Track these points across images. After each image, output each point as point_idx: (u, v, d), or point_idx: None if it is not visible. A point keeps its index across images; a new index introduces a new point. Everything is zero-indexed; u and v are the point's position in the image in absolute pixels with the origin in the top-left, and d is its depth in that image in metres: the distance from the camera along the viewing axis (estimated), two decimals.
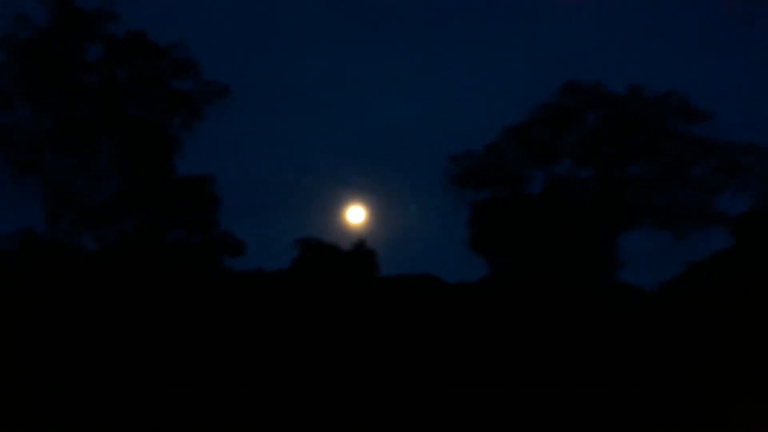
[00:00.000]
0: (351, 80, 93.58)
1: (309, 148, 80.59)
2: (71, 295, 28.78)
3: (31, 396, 25.03)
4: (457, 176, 37.57)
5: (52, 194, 38.79)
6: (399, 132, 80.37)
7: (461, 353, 27.32)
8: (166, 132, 39.62)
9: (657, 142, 37.06)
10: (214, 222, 35.59)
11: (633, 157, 37.13)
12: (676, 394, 27.07)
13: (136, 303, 29.00)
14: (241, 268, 32.38)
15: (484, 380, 26.57)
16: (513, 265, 34.63)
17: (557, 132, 37.70)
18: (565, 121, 37.55)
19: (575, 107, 37.64)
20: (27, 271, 29.08)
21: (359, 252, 31.95)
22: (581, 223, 35.92)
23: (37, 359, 26.43)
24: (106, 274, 30.94)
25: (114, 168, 39.29)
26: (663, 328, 30.56)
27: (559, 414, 27.02)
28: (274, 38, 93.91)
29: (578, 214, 36.15)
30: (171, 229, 35.89)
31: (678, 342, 29.39)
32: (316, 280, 31.74)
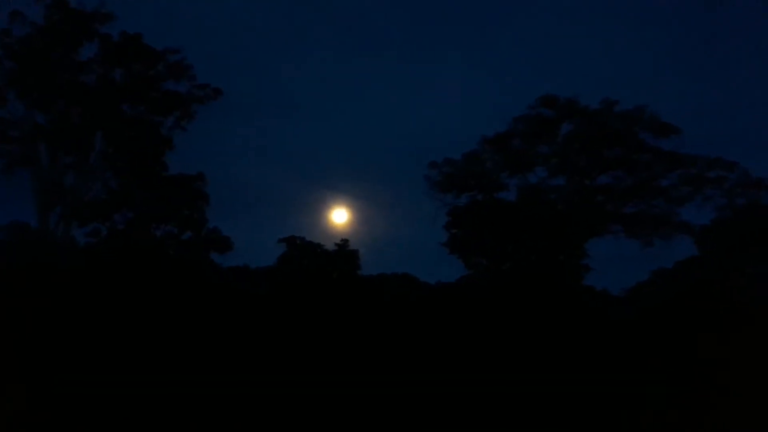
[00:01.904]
0: (338, 86, 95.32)
1: (295, 151, 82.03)
2: (62, 288, 29.43)
3: (25, 393, 24.99)
4: (437, 182, 39.13)
5: (44, 189, 39.87)
6: (383, 138, 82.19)
7: (437, 351, 28.50)
8: (159, 131, 40.86)
9: (627, 154, 38.83)
10: (203, 219, 36.85)
11: (604, 167, 38.91)
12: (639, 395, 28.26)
13: (126, 297, 29.71)
14: (228, 264, 33.53)
15: (459, 379, 27.57)
16: (489, 267, 36.26)
17: (532, 142, 39.40)
18: (541, 132, 39.24)
19: (551, 119, 39.30)
20: (19, 263, 29.78)
21: (342, 251, 33.39)
22: (553, 228, 37.57)
23: (28, 354, 26.13)
24: (98, 268, 32.03)
25: (107, 165, 40.38)
26: (629, 331, 32.08)
27: (530, 413, 27.91)
28: (264, 43, 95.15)
29: (550, 220, 37.78)
30: (161, 225, 37.00)
31: (643, 345, 30.57)
32: (301, 277, 33.08)
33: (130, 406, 25.07)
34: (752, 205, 38.30)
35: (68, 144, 40.51)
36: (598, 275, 37.77)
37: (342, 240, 34.13)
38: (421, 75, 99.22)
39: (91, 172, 40.67)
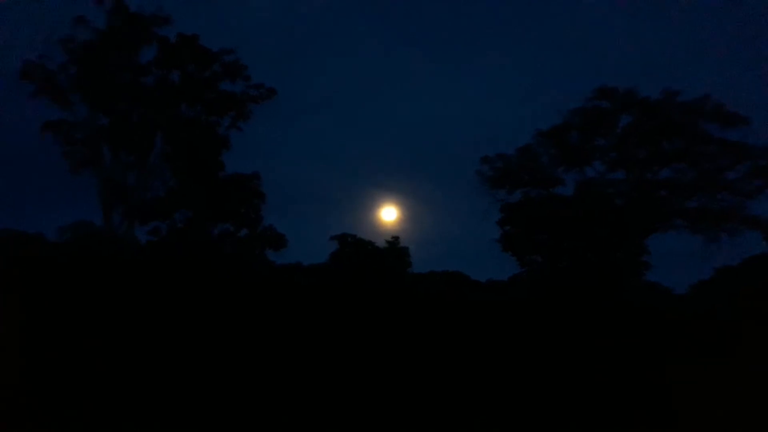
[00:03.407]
0: (386, 83, 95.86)
1: (343, 148, 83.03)
2: (124, 285, 30.75)
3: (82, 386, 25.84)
4: (490, 177, 39.31)
5: (107, 188, 41.79)
6: (432, 134, 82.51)
7: (488, 351, 28.69)
8: (216, 131, 42.31)
9: (690, 146, 38.24)
10: (258, 217, 38.03)
11: (665, 160, 38.38)
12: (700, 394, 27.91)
13: (184, 292, 30.83)
14: (281, 262, 34.51)
15: (508, 378, 27.73)
16: (544, 264, 36.29)
17: (590, 135, 39.19)
18: (598, 125, 39.00)
19: (609, 111, 39.04)
20: (83, 262, 31.22)
21: (393, 248, 34.00)
22: (612, 224, 37.33)
23: (86, 349, 27.46)
24: (158, 266, 33.39)
25: (166, 164, 42.00)
26: (692, 330, 31.65)
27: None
28: (309, 42, 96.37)
29: (609, 216, 37.55)
30: (218, 224, 38.32)
31: (707, 345, 30.14)
32: (353, 273, 33.81)
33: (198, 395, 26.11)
34: None
35: (129, 144, 42.35)
36: (660, 273, 37.43)
37: (393, 237, 34.79)
38: (470, 70, 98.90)
39: (151, 172, 42.47)
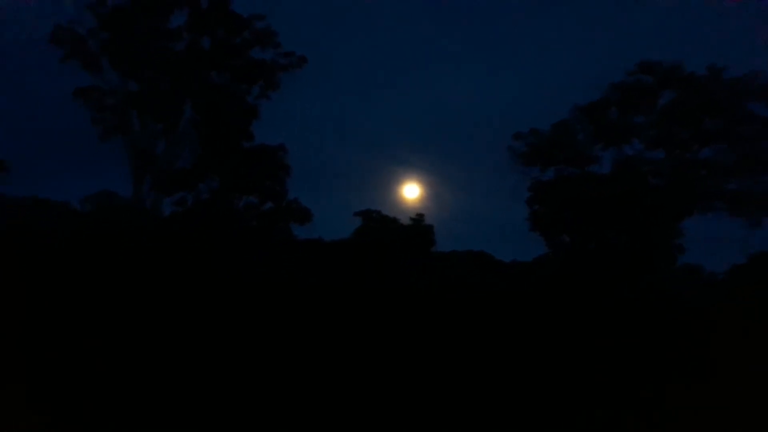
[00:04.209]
0: (409, 58, 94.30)
1: (367, 123, 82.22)
2: (145, 257, 31.04)
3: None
4: (522, 154, 38.62)
5: (136, 157, 42.18)
6: (457, 110, 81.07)
7: (507, 331, 28.36)
8: (245, 100, 42.20)
9: (733, 126, 37.08)
10: (284, 190, 38.04)
11: (707, 140, 37.32)
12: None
13: (203, 269, 30.99)
14: (302, 236, 34.51)
15: (526, 363, 27.42)
16: (572, 245, 35.72)
17: (629, 112, 38.23)
18: (639, 101, 38.01)
19: (650, 87, 38.00)
20: (105, 233, 31.63)
21: (417, 226, 33.77)
22: (648, 205, 36.54)
23: (109, 321, 27.62)
24: (179, 238, 33.66)
25: (195, 133, 42.11)
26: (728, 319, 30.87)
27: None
28: (343, 14, 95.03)
29: (647, 196, 36.76)
30: (243, 196, 38.43)
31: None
32: (377, 250, 33.71)
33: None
34: None
35: (158, 112, 42.54)
36: (693, 256, 36.60)
37: (417, 215, 34.51)
38: (496, 44, 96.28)
39: (180, 141, 42.71)
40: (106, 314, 26.24)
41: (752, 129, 36.90)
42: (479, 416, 24.37)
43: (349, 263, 33.72)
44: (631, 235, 36.30)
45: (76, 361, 23.71)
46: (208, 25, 42.88)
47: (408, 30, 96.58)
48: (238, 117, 41.38)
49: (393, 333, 28.08)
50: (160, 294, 27.70)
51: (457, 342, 28.12)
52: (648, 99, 38.30)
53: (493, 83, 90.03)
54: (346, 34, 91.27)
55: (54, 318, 25.83)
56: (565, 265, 33.24)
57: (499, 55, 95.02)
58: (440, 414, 23.92)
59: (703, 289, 34.60)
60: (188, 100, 42.64)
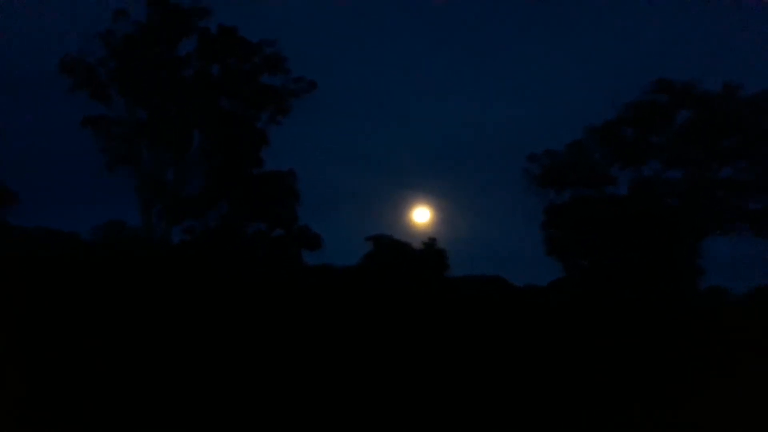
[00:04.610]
0: (416, 80, 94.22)
1: (375, 148, 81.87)
2: (152, 287, 30.71)
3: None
4: (537, 176, 38.18)
5: (145, 186, 42.03)
6: (466, 133, 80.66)
7: (522, 359, 27.77)
8: (254, 127, 42.11)
9: (752, 144, 36.58)
10: (294, 217, 37.74)
11: (726, 158, 36.83)
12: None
13: (214, 298, 30.63)
14: (313, 263, 34.18)
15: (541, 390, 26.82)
16: (590, 268, 35.16)
17: (645, 131, 37.83)
18: (655, 120, 37.61)
19: (666, 106, 37.61)
20: (112, 263, 31.33)
21: (430, 250, 33.32)
22: (667, 226, 35.98)
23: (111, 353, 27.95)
24: (188, 268, 33.32)
25: (204, 161, 42.02)
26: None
27: None
28: (348, 38, 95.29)
29: (666, 217, 36.21)
30: (252, 223, 38.18)
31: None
32: (388, 276, 33.23)
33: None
34: None
35: (168, 140, 42.50)
36: (714, 278, 35.94)
37: (429, 239, 34.12)
38: (506, 65, 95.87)
39: (189, 169, 42.55)
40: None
41: None
42: None
43: (358, 288, 33.24)
44: (650, 257, 35.64)
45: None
46: (218, 52, 42.98)
47: (417, 52, 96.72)
48: (248, 144, 41.31)
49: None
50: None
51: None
52: (663, 118, 37.87)
53: (503, 105, 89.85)
54: (354, 58, 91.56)
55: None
56: (582, 288, 32.61)
57: (509, 76, 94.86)
58: None
59: (726, 312, 33.77)
60: (197, 128, 42.63)
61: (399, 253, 33.73)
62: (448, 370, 28.40)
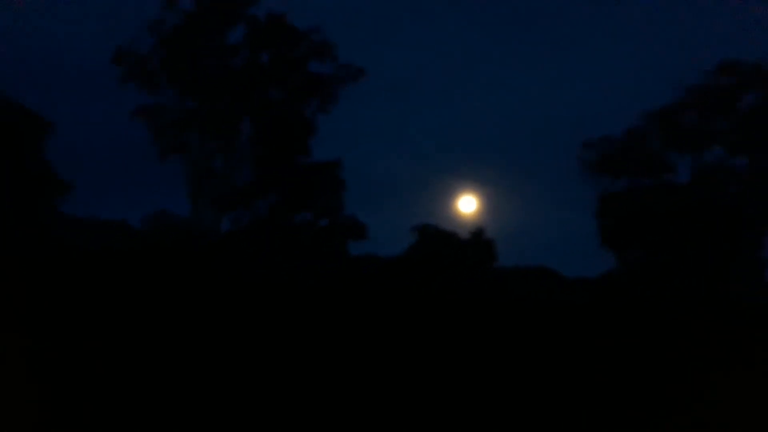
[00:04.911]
0: (464, 67, 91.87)
1: (421, 135, 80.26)
2: (197, 277, 30.67)
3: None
4: (592, 163, 36.85)
5: (195, 175, 42.12)
6: (516, 116, 78.46)
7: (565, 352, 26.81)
8: (303, 115, 41.71)
9: None
10: (340, 206, 37.30)
11: None
12: None
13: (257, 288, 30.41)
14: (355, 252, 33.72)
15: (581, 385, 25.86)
16: (647, 260, 33.78)
17: (708, 116, 36.18)
18: (718, 104, 35.93)
19: (730, 89, 35.88)
20: (159, 253, 31.42)
21: (478, 241, 32.50)
22: (732, 216, 34.38)
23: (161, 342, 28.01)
24: (234, 257, 33.25)
25: (253, 150, 41.86)
26: None
27: None
28: (393, 24, 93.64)
29: (728, 207, 34.63)
30: (300, 212, 37.84)
31: None
32: (434, 266, 32.55)
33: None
34: None
35: (217, 129, 42.50)
36: None
37: (477, 229, 33.20)
38: (558, 46, 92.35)
39: (238, 158, 42.47)
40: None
41: None
42: None
43: (404, 278, 32.63)
44: (710, 249, 34.07)
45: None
46: (266, 40, 42.72)
47: (464, 35, 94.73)
48: (296, 132, 40.97)
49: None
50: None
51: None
52: (729, 101, 36.14)
53: (555, 88, 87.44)
54: (398, 41, 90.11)
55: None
56: (637, 281, 31.31)
57: (561, 58, 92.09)
58: None
59: None
60: (246, 117, 42.49)
61: (445, 243, 32.91)
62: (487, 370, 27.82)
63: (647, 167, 36.30)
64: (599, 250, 35.14)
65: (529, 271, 31.50)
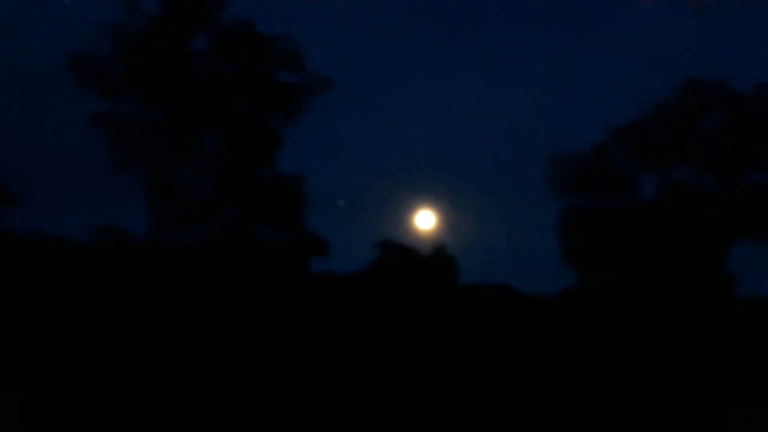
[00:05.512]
0: (424, 75, 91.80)
1: (377, 148, 79.89)
2: (149, 293, 30.35)
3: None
4: (558, 180, 37.13)
5: (153, 188, 41.51)
6: (476, 135, 78.51)
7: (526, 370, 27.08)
8: (268, 127, 41.37)
9: None
10: (301, 221, 37.09)
11: (758, 162, 35.49)
12: None
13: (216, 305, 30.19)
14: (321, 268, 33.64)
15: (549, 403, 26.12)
16: (609, 276, 34.11)
17: (674, 134, 36.59)
18: (684, 122, 36.37)
19: (696, 107, 36.36)
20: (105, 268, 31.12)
21: (440, 257, 32.53)
22: (698, 234, 34.82)
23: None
24: (190, 274, 32.95)
25: (215, 163, 41.44)
26: None
27: None
28: (351, 36, 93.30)
29: (696, 224, 35.06)
30: (260, 227, 37.59)
31: None
32: (396, 283, 32.48)
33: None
34: None
35: (178, 140, 41.98)
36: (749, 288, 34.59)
37: (439, 244, 33.24)
38: (518, 64, 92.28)
39: (200, 171, 41.98)
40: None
41: None
42: None
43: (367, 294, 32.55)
44: (676, 265, 34.49)
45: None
46: (232, 47, 42.34)
47: (420, 46, 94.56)
48: (261, 144, 40.70)
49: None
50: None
51: None
52: (693, 119, 36.62)
53: (514, 101, 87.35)
54: (357, 55, 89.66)
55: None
56: (599, 297, 31.55)
57: (524, 72, 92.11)
58: None
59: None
60: (209, 128, 42.07)
61: (407, 259, 32.90)
62: (454, 377, 27.97)
63: (612, 184, 36.66)
64: (559, 267, 35.45)
65: (491, 288, 31.62)
